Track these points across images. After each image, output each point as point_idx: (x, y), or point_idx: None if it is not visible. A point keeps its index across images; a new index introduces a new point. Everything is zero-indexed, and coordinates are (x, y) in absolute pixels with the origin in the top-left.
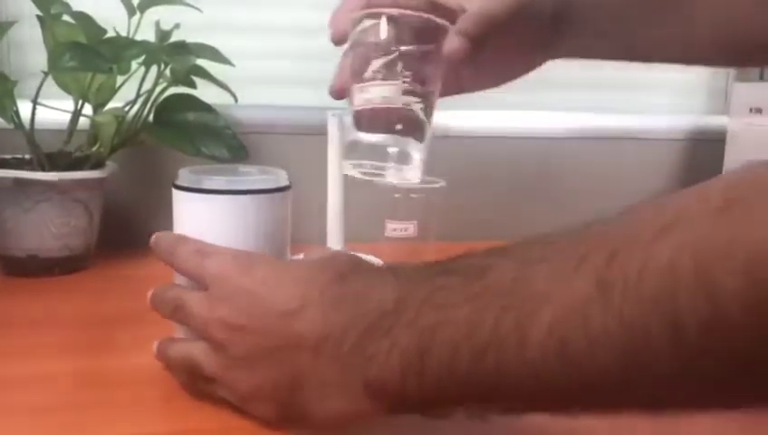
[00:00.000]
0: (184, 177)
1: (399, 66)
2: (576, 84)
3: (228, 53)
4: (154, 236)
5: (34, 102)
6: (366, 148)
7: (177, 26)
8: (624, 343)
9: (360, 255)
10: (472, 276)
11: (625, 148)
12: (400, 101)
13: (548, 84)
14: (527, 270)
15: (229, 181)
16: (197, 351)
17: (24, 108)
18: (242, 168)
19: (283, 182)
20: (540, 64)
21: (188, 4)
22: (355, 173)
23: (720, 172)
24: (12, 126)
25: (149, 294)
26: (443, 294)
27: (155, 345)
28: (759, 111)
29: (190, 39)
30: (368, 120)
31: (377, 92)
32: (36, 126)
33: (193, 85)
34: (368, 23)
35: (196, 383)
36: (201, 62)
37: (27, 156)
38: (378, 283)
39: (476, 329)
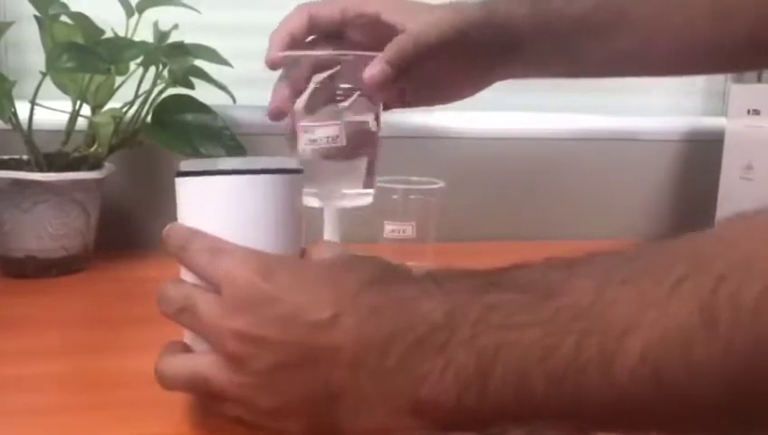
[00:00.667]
0: (189, 165)
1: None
2: (575, 86)
3: (226, 53)
4: (166, 229)
5: (32, 103)
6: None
7: (175, 27)
8: (733, 374)
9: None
10: (537, 296)
11: (624, 149)
12: (344, 139)
13: (547, 86)
14: (609, 291)
15: (243, 162)
16: (203, 365)
17: (23, 108)
18: (247, 159)
19: (296, 166)
20: (488, 85)
21: (187, 6)
22: (313, 203)
23: (718, 173)
24: (9, 126)
25: (158, 290)
26: (501, 314)
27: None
28: (757, 112)
29: (188, 40)
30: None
31: (321, 133)
32: (34, 126)
33: (191, 86)
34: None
35: (204, 401)
36: (199, 62)
37: (25, 156)
38: (419, 292)
39: (551, 353)
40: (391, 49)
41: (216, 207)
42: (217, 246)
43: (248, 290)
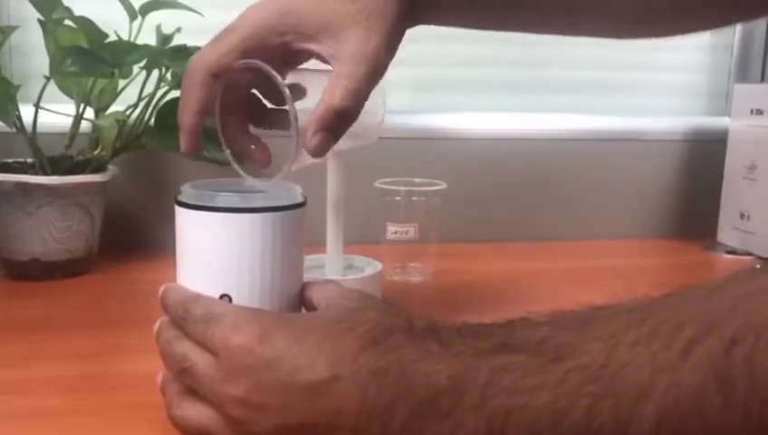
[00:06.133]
0: (189, 194)
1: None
2: (578, 86)
3: None
4: (162, 290)
5: (37, 106)
6: None
7: (178, 30)
8: None
9: (363, 257)
10: (547, 357)
11: (626, 149)
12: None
13: (550, 87)
14: (619, 354)
15: (243, 198)
16: (209, 420)
17: (27, 111)
18: (248, 182)
19: (299, 198)
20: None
21: (190, 8)
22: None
23: (721, 173)
24: (14, 130)
25: (155, 328)
26: (511, 377)
27: (159, 378)
28: (760, 112)
29: (191, 43)
30: None
31: None
32: (38, 129)
33: None
34: None
35: None
36: None
37: (30, 160)
38: (422, 353)
39: (563, 418)
40: (337, 91)
41: (212, 242)
42: (211, 313)
43: (244, 356)
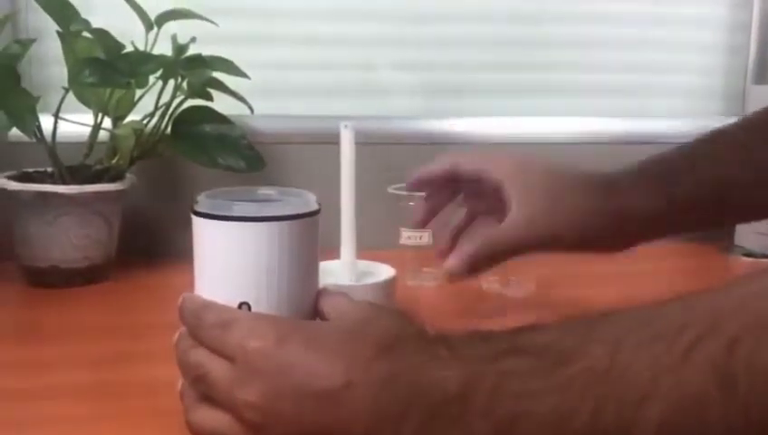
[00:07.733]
0: (205, 203)
1: None
2: (592, 89)
3: (244, 64)
4: (180, 299)
5: (56, 117)
6: None
7: (193, 40)
8: None
9: (376, 263)
10: (552, 361)
11: (642, 152)
12: None
13: (566, 90)
14: (623, 357)
15: (260, 207)
16: (224, 425)
17: (46, 121)
18: (261, 190)
19: (314, 206)
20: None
21: (205, 18)
22: None
23: None
24: (34, 140)
25: (174, 338)
26: (518, 381)
27: (179, 385)
28: None
29: (206, 52)
30: None
31: None
32: (58, 139)
33: (209, 97)
34: None
35: None
36: (217, 74)
37: (49, 169)
38: (432, 360)
39: (567, 422)
40: (475, 246)
41: (229, 251)
42: (226, 319)
43: (260, 360)
